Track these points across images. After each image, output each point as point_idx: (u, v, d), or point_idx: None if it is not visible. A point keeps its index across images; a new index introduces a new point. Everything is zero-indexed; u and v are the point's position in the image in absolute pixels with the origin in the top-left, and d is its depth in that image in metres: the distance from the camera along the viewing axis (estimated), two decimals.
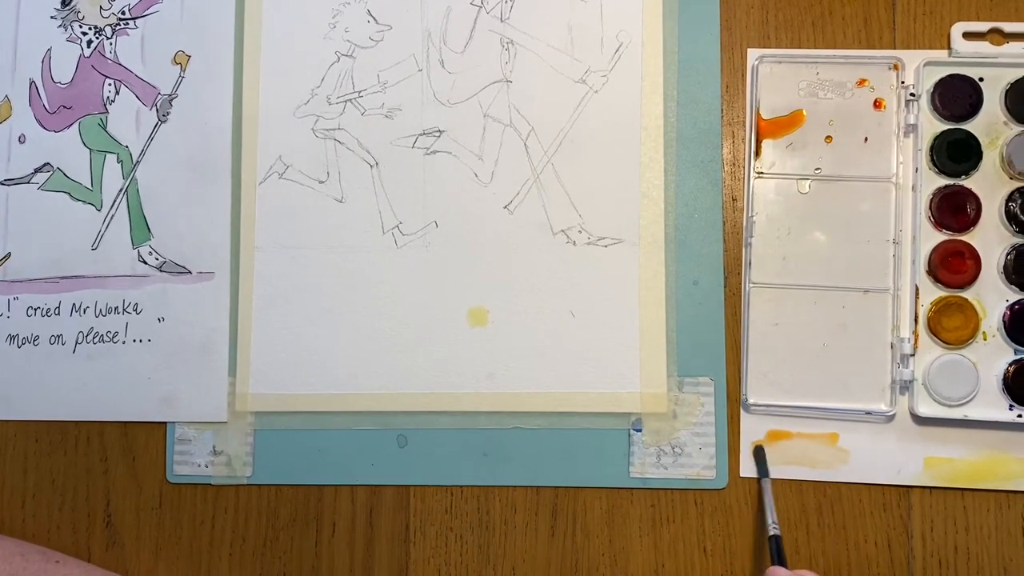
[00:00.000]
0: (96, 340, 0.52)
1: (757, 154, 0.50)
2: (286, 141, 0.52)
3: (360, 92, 0.52)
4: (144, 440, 0.52)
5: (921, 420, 0.47)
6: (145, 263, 0.52)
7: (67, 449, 0.52)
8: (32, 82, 0.54)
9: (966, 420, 0.47)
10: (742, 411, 0.48)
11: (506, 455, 0.50)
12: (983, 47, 0.49)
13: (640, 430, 0.49)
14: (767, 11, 0.51)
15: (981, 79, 0.49)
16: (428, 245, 0.51)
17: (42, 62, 0.54)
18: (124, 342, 0.52)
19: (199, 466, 0.51)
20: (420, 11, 0.52)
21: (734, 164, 0.50)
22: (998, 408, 0.47)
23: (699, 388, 0.49)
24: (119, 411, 0.52)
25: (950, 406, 0.47)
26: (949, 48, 0.50)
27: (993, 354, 0.47)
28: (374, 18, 0.52)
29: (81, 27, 0.54)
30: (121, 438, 0.52)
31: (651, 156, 0.51)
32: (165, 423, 0.51)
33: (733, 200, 0.50)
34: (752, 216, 0.49)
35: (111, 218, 0.53)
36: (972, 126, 0.49)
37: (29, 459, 0.52)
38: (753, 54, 0.51)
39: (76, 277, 0.53)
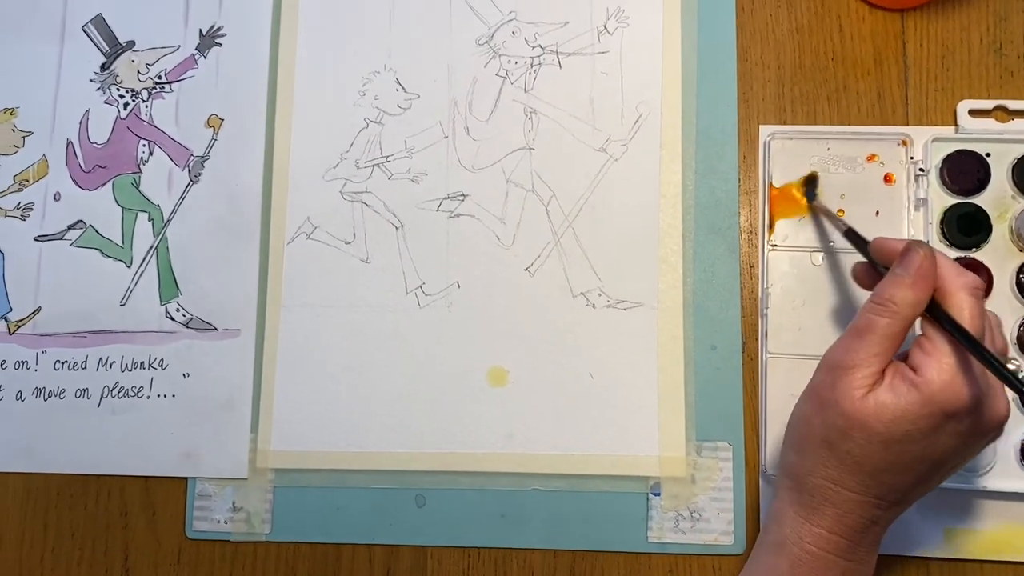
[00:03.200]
0: (121, 395, 0.53)
1: (771, 228, 0.51)
2: (315, 203, 0.54)
3: (388, 157, 0.54)
4: (164, 495, 0.52)
5: (940, 491, 0.47)
6: (172, 319, 0.54)
7: (88, 503, 0.52)
8: (69, 142, 0.56)
9: (985, 491, 0.47)
10: (761, 481, 0.49)
11: (524, 517, 0.50)
12: (989, 124, 0.51)
13: (659, 494, 0.49)
14: (783, 85, 0.53)
15: (988, 154, 0.51)
16: (450, 305, 0.52)
17: (80, 123, 0.56)
18: (148, 397, 0.53)
19: (218, 522, 0.51)
20: (447, 81, 0.54)
21: (751, 232, 0.52)
22: (1016, 479, 0.47)
23: (717, 453, 0.49)
24: (141, 466, 0.52)
25: (968, 477, 0.47)
26: (956, 125, 0.51)
27: (1010, 425, 0.46)
28: (403, 87, 0.54)
29: (119, 90, 0.56)
30: (142, 493, 0.52)
31: (669, 223, 0.52)
32: (186, 479, 0.52)
33: (750, 267, 0.51)
34: (767, 288, 0.50)
35: (140, 275, 0.54)
36: (981, 200, 0.50)
37: (50, 512, 0.52)
38: (765, 131, 0.52)
39: (104, 332, 0.54)
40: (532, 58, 0.54)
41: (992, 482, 0.47)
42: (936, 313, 0.38)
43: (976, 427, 0.37)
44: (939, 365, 0.36)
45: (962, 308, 0.37)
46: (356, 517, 0.51)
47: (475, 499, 0.50)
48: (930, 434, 0.36)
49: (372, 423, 0.52)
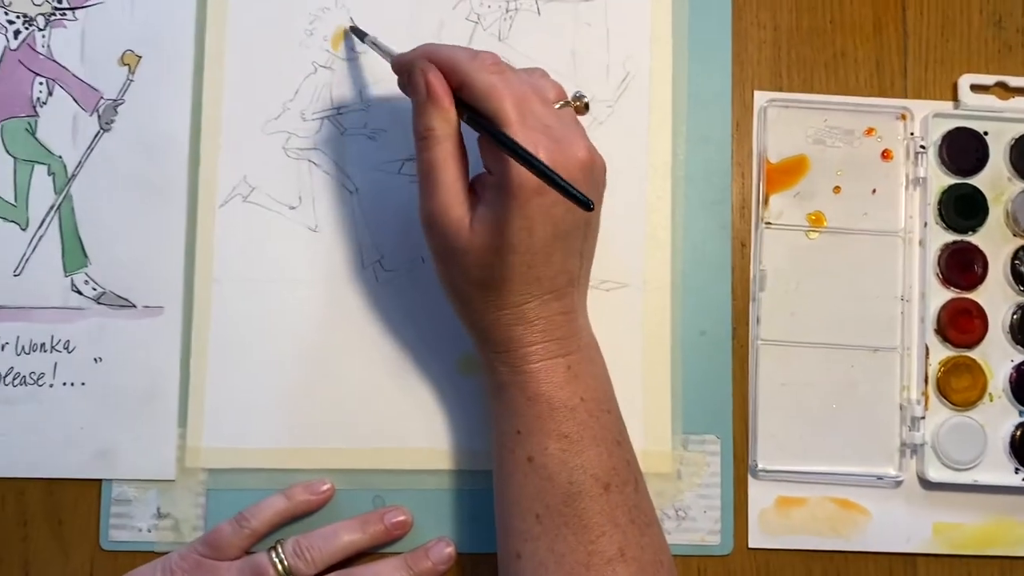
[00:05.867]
0: (17, 382, 0.45)
1: (765, 203, 0.47)
2: (252, 159, 0.46)
3: (340, 109, 0.47)
4: (73, 500, 0.44)
5: (930, 485, 0.46)
6: (80, 293, 0.45)
7: None
8: None
9: (975, 484, 0.46)
10: (750, 476, 0.46)
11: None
12: (989, 100, 0.49)
13: None
14: (779, 48, 0.49)
15: (986, 133, 0.48)
16: (415, 283, 0.46)
17: None
18: (52, 385, 0.45)
19: (140, 531, 0.44)
20: (409, 23, 0.47)
21: (743, 207, 0.48)
22: (1005, 472, 0.46)
23: (705, 447, 0.46)
24: (44, 466, 0.45)
25: (959, 470, 0.46)
26: (956, 100, 0.49)
27: (999, 416, 0.46)
28: (358, 28, 0.47)
29: (7, 14, 0.46)
30: (45, 497, 0.44)
31: (658, 195, 0.47)
32: (100, 481, 0.44)
33: (742, 246, 0.48)
34: (761, 268, 0.47)
35: (39, 239, 0.45)
36: (978, 180, 0.48)
37: None
38: (760, 97, 0.48)
39: None
40: (507, 2, 0.48)
41: (981, 475, 0.46)
42: (472, 114, 0.37)
43: (573, 179, 0.36)
44: (499, 154, 0.36)
45: (487, 90, 0.37)
46: (304, 522, 0.45)
47: (442, 500, 0.45)
48: (544, 213, 0.36)
49: (321, 416, 0.45)
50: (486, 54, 0.38)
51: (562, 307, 0.39)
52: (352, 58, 0.47)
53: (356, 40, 0.46)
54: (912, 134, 0.48)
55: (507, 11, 0.48)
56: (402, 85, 0.41)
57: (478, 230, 0.37)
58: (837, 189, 0.48)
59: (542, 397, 0.38)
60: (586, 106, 0.40)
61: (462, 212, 0.38)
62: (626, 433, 0.40)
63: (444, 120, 0.38)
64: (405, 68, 0.40)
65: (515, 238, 0.37)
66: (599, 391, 0.40)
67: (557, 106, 0.39)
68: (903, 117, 0.48)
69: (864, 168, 0.48)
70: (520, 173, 0.36)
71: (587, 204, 0.32)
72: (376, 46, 0.44)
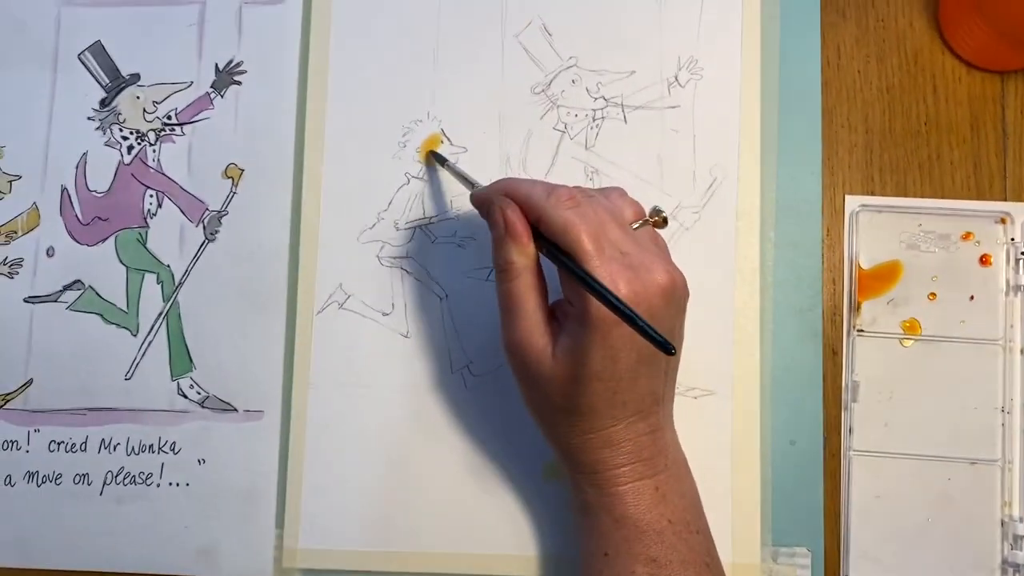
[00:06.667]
0: (127, 481, 0.47)
1: (857, 310, 0.47)
2: (348, 268, 0.48)
3: (430, 219, 0.48)
4: None
5: None
6: (185, 397, 0.47)
7: None
8: (64, 189, 0.49)
9: None
10: None
11: None
12: None
13: None
14: (871, 151, 0.48)
15: None
16: (501, 388, 0.47)
17: (76, 167, 0.49)
18: (159, 485, 0.47)
19: None
20: (499, 134, 0.48)
21: (834, 313, 0.47)
22: None
23: (795, 559, 0.45)
24: (151, 562, 0.47)
25: None
26: None
27: None
28: (448, 139, 0.48)
29: (121, 131, 0.49)
30: None
31: (746, 301, 0.47)
32: None
33: (833, 353, 0.47)
34: (854, 377, 0.46)
35: (148, 345, 0.48)
36: None
37: None
38: (852, 201, 0.48)
39: (106, 409, 0.48)
40: (594, 111, 0.49)
41: None
42: (550, 249, 0.38)
43: (653, 307, 0.37)
44: (579, 288, 0.37)
45: (564, 226, 0.37)
46: None
47: None
48: (626, 341, 0.37)
49: (412, 519, 0.47)
50: (562, 189, 0.38)
51: (648, 427, 0.39)
52: (441, 169, 0.48)
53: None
54: (1012, 239, 0.47)
55: (594, 120, 0.48)
56: (483, 215, 0.42)
57: (560, 359, 0.38)
58: (932, 296, 0.47)
59: (629, 520, 0.38)
60: (664, 220, 0.40)
61: (544, 341, 0.38)
62: (715, 552, 0.40)
63: (522, 254, 0.39)
64: (484, 203, 0.41)
65: (598, 366, 0.37)
66: (687, 511, 0.40)
67: (635, 226, 0.39)
68: (1003, 221, 0.47)
69: (961, 274, 0.47)
70: (600, 307, 0.36)
71: (667, 348, 0.32)
72: (455, 172, 0.46)
